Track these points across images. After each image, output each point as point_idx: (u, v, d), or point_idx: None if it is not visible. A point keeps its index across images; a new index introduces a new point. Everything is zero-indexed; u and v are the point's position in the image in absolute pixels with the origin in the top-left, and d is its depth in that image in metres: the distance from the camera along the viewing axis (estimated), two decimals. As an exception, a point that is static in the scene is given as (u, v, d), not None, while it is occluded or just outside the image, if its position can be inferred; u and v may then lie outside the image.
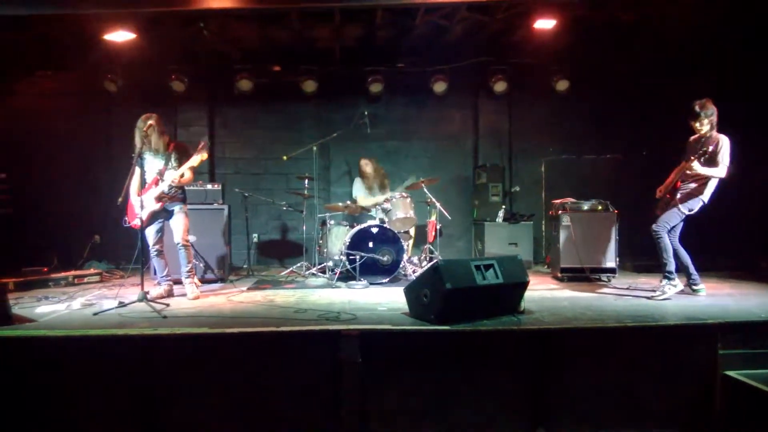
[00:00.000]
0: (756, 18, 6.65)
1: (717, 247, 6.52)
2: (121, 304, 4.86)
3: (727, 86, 6.99)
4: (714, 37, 7.23)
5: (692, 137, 5.44)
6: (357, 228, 6.47)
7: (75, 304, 5.08)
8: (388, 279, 6.40)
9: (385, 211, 6.80)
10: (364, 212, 7.12)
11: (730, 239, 7.28)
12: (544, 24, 7.09)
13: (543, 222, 8.53)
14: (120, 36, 6.95)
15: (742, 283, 6.24)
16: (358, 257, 6.23)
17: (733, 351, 4.20)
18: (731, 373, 4.12)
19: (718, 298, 5.25)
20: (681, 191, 5.29)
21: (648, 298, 5.27)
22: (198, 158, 5.42)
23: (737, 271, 6.99)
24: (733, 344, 4.21)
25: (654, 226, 5.33)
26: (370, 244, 6.37)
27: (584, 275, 6.46)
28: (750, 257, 7.52)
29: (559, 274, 6.64)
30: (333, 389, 3.92)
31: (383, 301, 5.28)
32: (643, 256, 7.18)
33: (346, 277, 6.40)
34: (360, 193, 7.62)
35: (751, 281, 6.37)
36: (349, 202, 7.19)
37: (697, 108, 5.18)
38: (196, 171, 5.64)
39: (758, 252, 7.59)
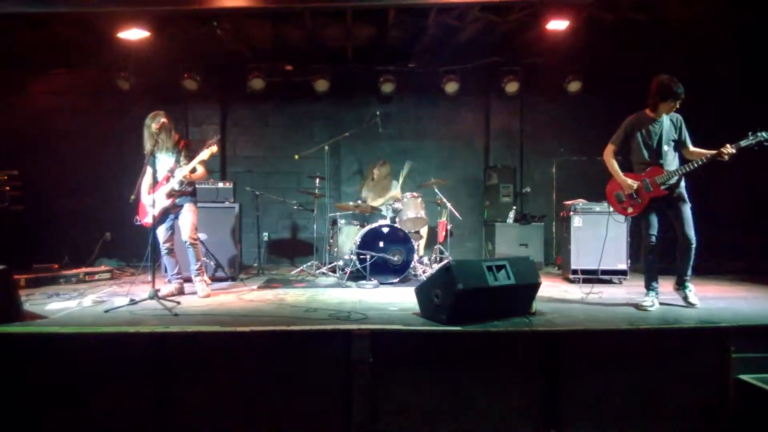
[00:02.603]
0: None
1: (731, 249, 6.48)
2: (132, 302, 4.87)
3: (744, 86, 6.92)
4: (729, 37, 7.15)
5: (639, 117, 4.98)
6: (368, 227, 6.46)
7: (86, 301, 5.10)
8: (398, 279, 6.38)
9: (396, 211, 6.78)
10: (375, 212, 7.11)
11: (743, 241, 7.21)
12: (557, 24, 7.05)
13: (554, 223, 8.49)
14: (133, 34, 6.97)
15: (756, 286, 6.18)
16: (368, 257, 6.22)
17: (747, 355, 4.14)
18: (745, 377, 4.07)
19: (732, 301, 5.19)
20: (670, 187, 4.83)
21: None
22: (208, 152, 5.40)
23: (750, 274, 6.91)
24: (747, 348, 4.15)
25: (693, 235, 4.77)
26: (381, 244, 6.35)
27: (596, 277, 6.41)
28: (763, 260, 7.46)
29: (571, 276, 6.60)
30: (344, 389, 3.90)
31: (394, 301, 5.27)
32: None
33: (357, 276, 6.39)
34: (367, 195, 7.63)
35: (764, 284, 6.29)
36: (360, 202, 7.19)
37: (681, 89, 4.70)
38: (207, 167, 5.65)
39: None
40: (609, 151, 5.10)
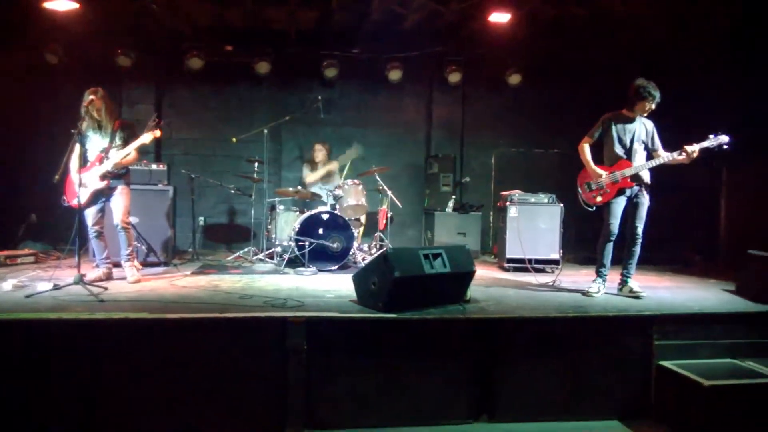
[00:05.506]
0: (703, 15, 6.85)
1: (655, 242, 6.74)
2: (56, 287, 4.63)
3: (680, 84, 7.16)
4: (666, 34, 7.38)
5: (616, 114, 5.14)
6: (307, 214, 6.39)
7: (6, 286, 4.82)
8: (337, 266, 6.35)
9: (337, 198, 6.74)
10: (315, 198, 7.05)
11: (666, 235, 7.52)
12: (499, 17, 7.13)
13: (491, 213, 8.66)
14: (62, 5, 6.60)
15: (678, 277, 6.47)
16: (307, 243, 6.16)
17: (668, 342, 4.35)
18: (666, 363, 4.27)
19: (656, 291, 5.40)
20: (637, 180, 5.06)
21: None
22: (149, 136, 5.22)
23: (674, 265, 7.24)
24: (668, 335, 4.36)
25: (640, 231, 5.09)
26: (321, 231, 6.30)
27: (529, 266, 6.58)
28: (683, 252, 7.83)
29: (505, 265, 6.76)
30: (279, 377, 3.86)
31: (332, 288, 5.24)
32: (585, 249, 7.37)
33: (295, 263, 6.32)
34: (306, 173, 7.54)
35: (686, 275, 6.61)
36: (300, 188, 7.10)
37: (657, 92, 4.93)
38: (141, 150, 5.44)
39: (692, 247, 7.91)
40: (584, 143, 5.33)
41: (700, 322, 4.47)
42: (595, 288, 5.15)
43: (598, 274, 5.24)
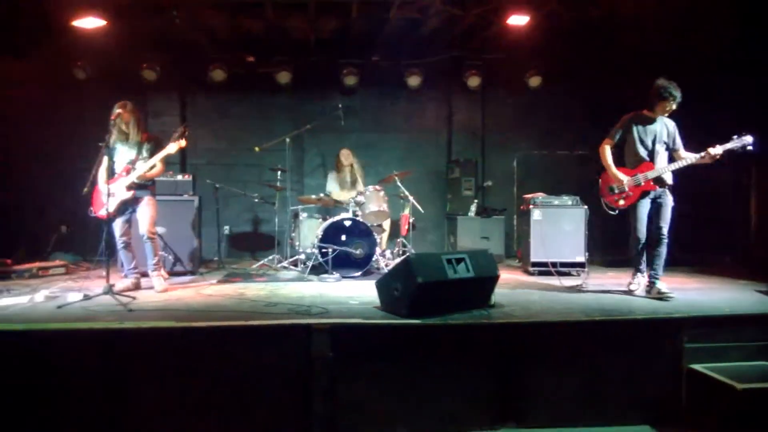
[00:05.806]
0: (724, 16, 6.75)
1: (682, 243, 6.64)
2: (86, 297, 4.74)
3: (702, 85, 7.06)
4: (686, 35, 7.29)
5: (637, 115, 5.16)
6: (330, 221, 6.43)
7: (38, 297, 4.96)
8: (360, 272, 6.37)
9: (359, 204, 6.77)
10: (338, 205, 7.09)
11: (694, 235, 7.40)
12: (518, 20, 7.10)
13: (515, 216, 8.60)
14: (89, 23, 6.76)
15: (708, 278, 6.35)
16: (330, 250, 6.20)
17: (698, 345, 4.24)
18: (696, 367, 4.16)
19: (685, 293, 5.30)
20: (660, 182, 5.06)
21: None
22: (175, 146, 5.32)
23: (703, 266, 7.09)
24: (698, 338, 4.25)
25: (665, 231, 5.08)
26: (343, 237, 6.34)
27: (554, 269, 6.51)
28: (713, 253, 7.68)
29: (530, 269, 6.71)
30: (304, 383, 3.87)
31: (355, 294, 5.26)
32: (611, 252, 7.28)
33: (319, 270, 6.36)
34: (333, 188, 7.58)
35: (716, 276, 6.48)
36: (322, 195, 7.15)
37: (678, 92, 4.92)
38: (166, 162, 5.54)
39: (722, 247, 7.75)
40: (605, 145, 5.31)
41: (733, 324, 4.36)
42: (635, 285, 5.24)
43: (637, 271, 5.28)
